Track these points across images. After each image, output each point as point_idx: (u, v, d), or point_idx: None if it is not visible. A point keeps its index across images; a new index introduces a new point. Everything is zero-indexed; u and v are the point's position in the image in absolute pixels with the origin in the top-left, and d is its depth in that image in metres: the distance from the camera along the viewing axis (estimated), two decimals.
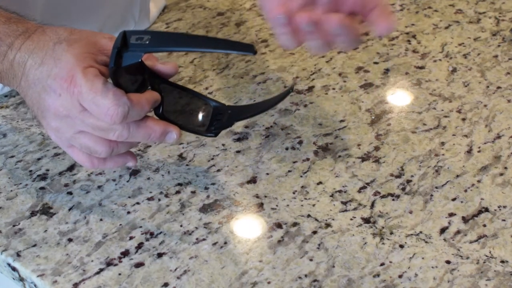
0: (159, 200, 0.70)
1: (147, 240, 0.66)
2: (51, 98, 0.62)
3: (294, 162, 0.75)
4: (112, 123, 0.61)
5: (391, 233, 0.66)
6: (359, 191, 0.71)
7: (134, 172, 0.73)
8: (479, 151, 0.76)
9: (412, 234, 0.66)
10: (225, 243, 0.65)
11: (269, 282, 0.61)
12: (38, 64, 0.63)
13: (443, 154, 0.75)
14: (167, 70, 0.66)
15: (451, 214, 0.68)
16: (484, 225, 0.67)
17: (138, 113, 0.61)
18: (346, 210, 0.68)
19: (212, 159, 0.75)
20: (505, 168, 0.73)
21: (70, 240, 0.66)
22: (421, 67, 0.90)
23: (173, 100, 0.67)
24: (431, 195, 0.70)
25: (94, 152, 0.63)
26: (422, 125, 0.79)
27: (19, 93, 0.66)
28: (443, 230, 0.66)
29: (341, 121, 0.80)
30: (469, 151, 0.76)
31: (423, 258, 0.63)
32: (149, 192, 0.71)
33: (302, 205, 0.69)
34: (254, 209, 0.69)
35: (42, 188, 0.72)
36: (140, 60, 0.61)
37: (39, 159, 0.76)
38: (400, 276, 0.62)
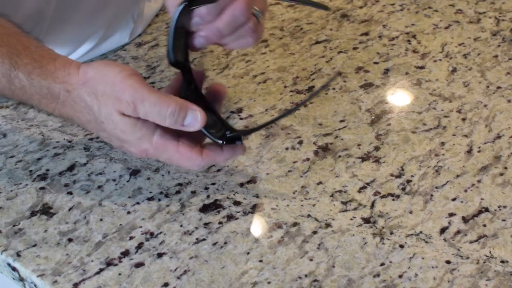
0: (159, 200, 0.70)
1: (147, 240, 0.66)
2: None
3: (294, 162, 0.75)
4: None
5: (391, 233, 0.66)
6: (359, 191, 0.71)
7: (134, 172, 0.73)
8: (479, 151, 0.75)
9: (412, 234, 0.66)
10: (225, 243, 0.65)
11: (269, 282, 0.61)
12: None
13: (443, 154, 0.75)
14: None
15: (451, 214, 0.68)
16: (484, 225, 0.66)
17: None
18: (346, 210, 0.68)
19: None
20: (505, 168, 0.73)
21: (70, 240, 0.66)
22: (421, 67, 0.89)
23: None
24: (431, 195, 0.70)
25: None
26: (422, 125, 0.79)
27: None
28: (443, 230, 0.66)
29: (341, 121, 0.80)
30: (469, 151, 0.76)
31: (423, 258, 0.63)
32: (149, 192, 0.71)
33: (302, 205, 0.69)
34: (254, 209, 0.69)
35: (42, 188, 0.72)
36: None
37: (39, 159, 0.75)
38: (400, 276, 0.62)
